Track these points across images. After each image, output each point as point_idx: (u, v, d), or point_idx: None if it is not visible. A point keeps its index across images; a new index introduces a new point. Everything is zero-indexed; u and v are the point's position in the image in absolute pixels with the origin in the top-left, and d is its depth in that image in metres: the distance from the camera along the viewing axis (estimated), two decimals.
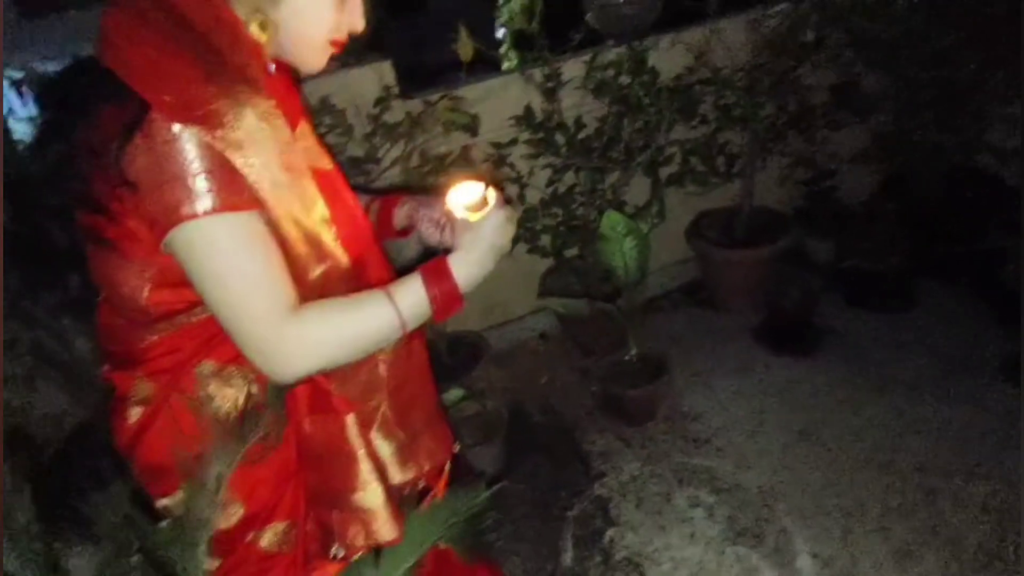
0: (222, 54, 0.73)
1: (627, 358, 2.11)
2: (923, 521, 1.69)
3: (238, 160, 0.73)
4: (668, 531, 1.77)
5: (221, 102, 0.71)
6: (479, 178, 0.99)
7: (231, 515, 0.90)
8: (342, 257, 0.86)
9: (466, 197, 0.95)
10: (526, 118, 2.05)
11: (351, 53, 1.96)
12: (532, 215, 2.16)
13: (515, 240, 2.10)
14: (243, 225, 0.75)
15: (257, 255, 0.76)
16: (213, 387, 0.86)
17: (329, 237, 0.84)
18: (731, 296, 2.48)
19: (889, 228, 2.38)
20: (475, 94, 2.05)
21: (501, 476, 2.00)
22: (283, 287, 0.78)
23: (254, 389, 0.88)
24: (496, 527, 1.78)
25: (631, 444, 2.05)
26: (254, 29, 0.78)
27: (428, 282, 0.87)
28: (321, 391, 0.90)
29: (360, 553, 0.93)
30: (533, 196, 2.17)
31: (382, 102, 1.90)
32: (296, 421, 0.94)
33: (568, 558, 1.76)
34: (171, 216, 0.72)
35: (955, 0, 2.10)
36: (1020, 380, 1.97)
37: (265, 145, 0.75)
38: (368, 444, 0.93)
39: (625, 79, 2.06)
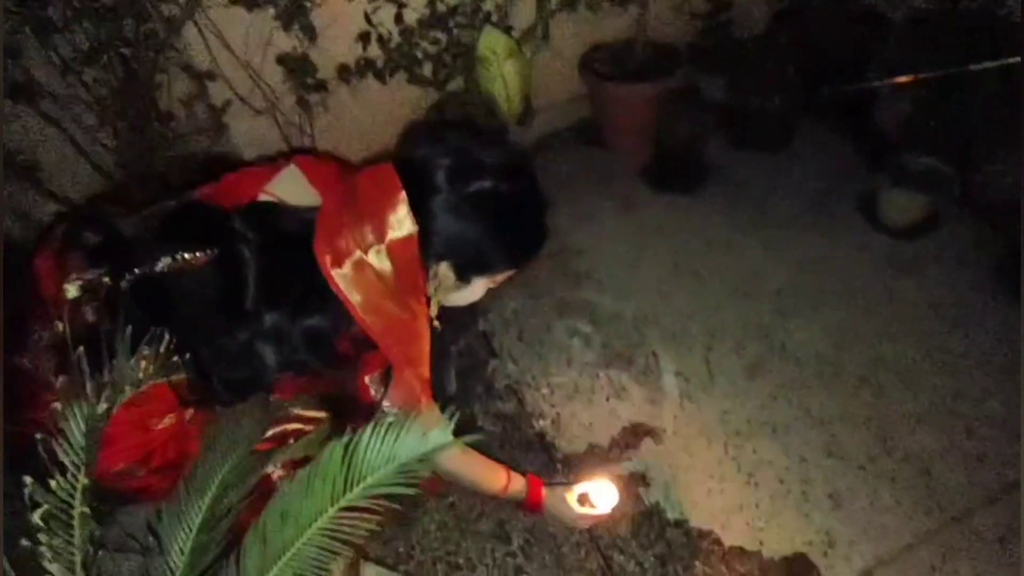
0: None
1: None
2: (774, 339, 1.85)
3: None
4: (546, 359, 1.85)
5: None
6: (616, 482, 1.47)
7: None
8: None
9: (597, 495, 1.42)
10: None
11: None
12: (411, 39, 1.96)
13: (393, 70, 1.95)
14: None
15: None
16: None
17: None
18: (621, 134, 2.44)
19: (778, 65, 2.37)
20: None
21: None
22: None
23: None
24: None
25: (514, 279, 2.05)
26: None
27: (527, 506, 1.44)
28: None
29: None
30: (411, 17, 1.95)
31: None
32: None
33: (452, 389, 1.81)
34: None
35: None
36: (878, 221, 2.11)
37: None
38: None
39: None
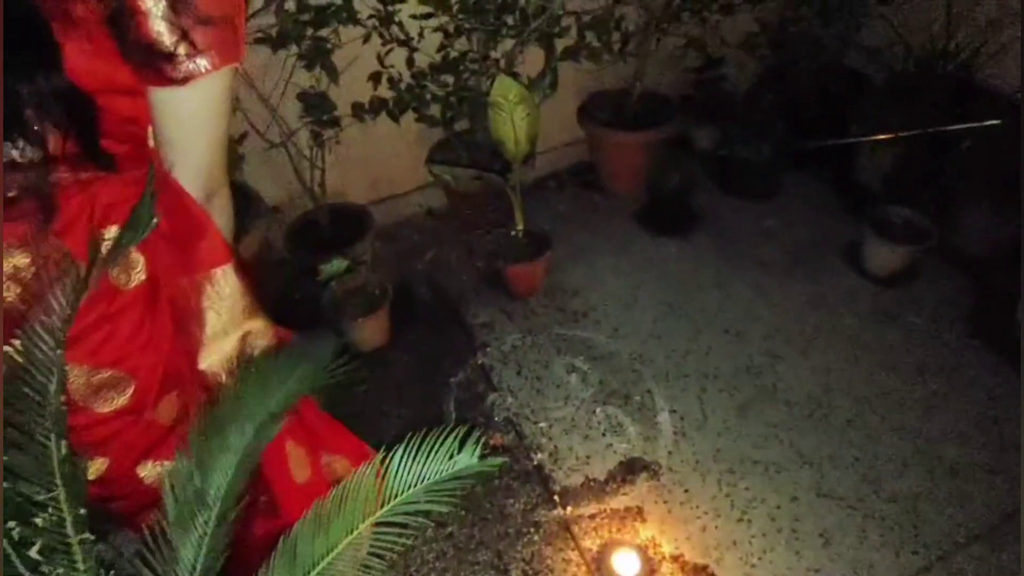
0: None
1: (513, 234, 2.13)
2: (765, 380, 1.91)
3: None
4: (544, 394, 1.89)
5: None
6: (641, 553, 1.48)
7: (124, 392, 0.87)
8: None
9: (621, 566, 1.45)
10: None
11: None
12: (421, 82, 2.04)
13: (403, 109, 2.03)
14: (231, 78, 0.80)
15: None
16: None
17: None
18: (617, 178, 2.54)
19: (766, 119, 2.50)
20: None
21: (386, 348, 2.02)
22: None
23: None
24: (357, 379, 1.83)
25: (513, 317, 2.11)
26: None
27: None
28: None
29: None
30: (423, 61, 2.04)
31: None
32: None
33: (451, 419, 1.83)
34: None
35: None
36: (862, 268, 2.21)
37: None
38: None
39: None
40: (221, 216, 0.89)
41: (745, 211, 2.47)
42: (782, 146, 2.46)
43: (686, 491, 1.66)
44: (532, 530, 1.58)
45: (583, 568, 1.50)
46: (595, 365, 1.96)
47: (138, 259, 0.87)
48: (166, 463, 0.94)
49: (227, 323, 0.93)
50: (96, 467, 0.91)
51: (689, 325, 2.07)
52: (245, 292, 0.94)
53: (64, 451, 0.73)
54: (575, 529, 1.57)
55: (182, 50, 0.71)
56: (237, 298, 0.93)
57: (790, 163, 2.52)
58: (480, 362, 1.98)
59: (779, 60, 2.63)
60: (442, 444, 0.79)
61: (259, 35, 1.70)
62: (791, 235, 2.37)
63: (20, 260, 0.78)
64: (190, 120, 0.79)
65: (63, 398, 0.74)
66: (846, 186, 2.52)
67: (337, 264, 1.85)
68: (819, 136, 2.52)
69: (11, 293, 0.79)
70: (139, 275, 0.87)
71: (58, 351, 0.71)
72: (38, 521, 0.72)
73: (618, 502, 1.63)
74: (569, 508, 1.61)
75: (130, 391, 0.88)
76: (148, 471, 0.95)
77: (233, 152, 1.87)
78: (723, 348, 2.00)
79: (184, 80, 0.72)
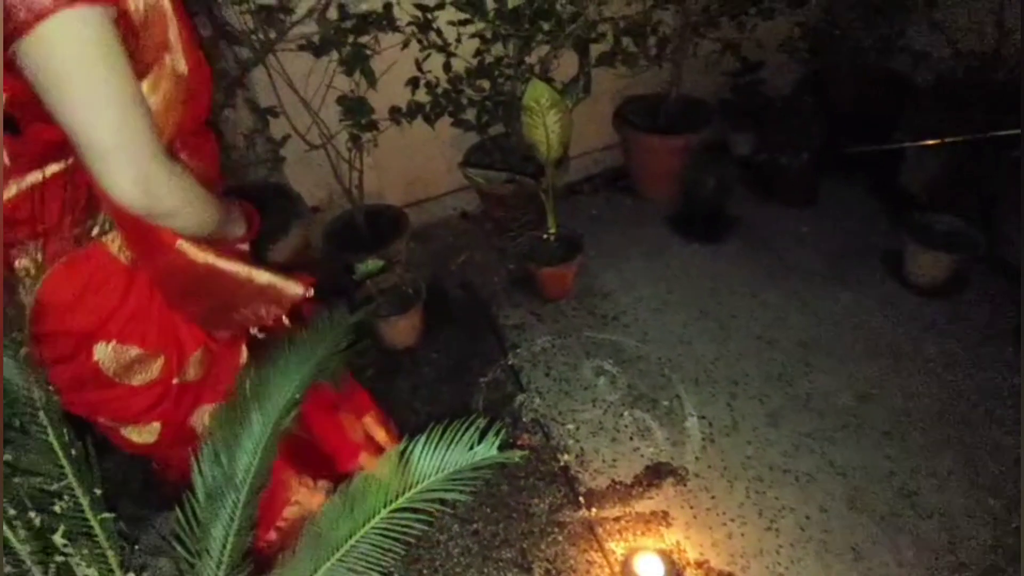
0: None
1: (545, 237, 2.14)
2: (798, 389, 1.88)
3: None
4: (573, 396, 1.90)
5: None
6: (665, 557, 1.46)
7: (152, 367, 0.93)
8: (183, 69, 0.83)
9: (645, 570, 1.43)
10: None
11: None
12: (458, 86, 2.08)
13: (439, 113, 2.07)
14: (107, 22, 0.69)
15: (120, 59, 0.70)
16: None
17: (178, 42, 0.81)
18: (651, 183, 2.54)
19: (805, 124, 2.46)
20: None
21: (417, 347, 2.06)
22: (148, 113, 0.74)
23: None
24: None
25: (544, 319, 2.13)
26: None
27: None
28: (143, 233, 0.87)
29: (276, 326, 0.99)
30: (459, 66, 2.08)
31: None
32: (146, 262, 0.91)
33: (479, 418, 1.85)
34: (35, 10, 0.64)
35: None
36: (903, 278, 2.15)
37: None
38: (216, 254, 0.93)
39: None
40: (176, 201, 0.80)
41: (782, 217, 2.43)
42: (821, 151, 2.42)
43: (713, 497, 1.64)
44: (556, 530, 1.59)
45: (606, 570, 1.50)
46: (624, 368, 1.96)
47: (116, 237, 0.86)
48: (211, 407, 1.00)
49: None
50: (151, 431, 0.97)
51: (720, 331, 2.05)
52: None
53: (66, 438, 0.78)
54: (599, 531, 1.58)
55: None
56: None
57: (829, 168, 2.48)
58: (510, 363, 2.00)
59: (819, 64, 2.59)
60: (463, 435, 0.82)
61: (302, 43, 1.77)
62: (829, 242, 2.32)
63: None
64: (55, 87, 0.68)
65: (52, 388, 0.79)
66: (888, 193, 2.46)
67: (372, 263, 1.90)
68: (860, 141, 2.47)
69: None
70: (126, 253, 0.88)
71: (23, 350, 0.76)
72: (56, 509, 0.76)
73: (643, 506, 1.63)
74: (594, 510, 1.62)
75: (157, 364, 0.93)
76: (196, 419, 1.01)
77: (274, 154, 1.94)
78: (755, 355, 1.97)
79: (28, 22, 0.64)
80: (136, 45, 0.75)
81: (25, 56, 0.67)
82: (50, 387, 0.80)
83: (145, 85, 0.78)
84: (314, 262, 2.22)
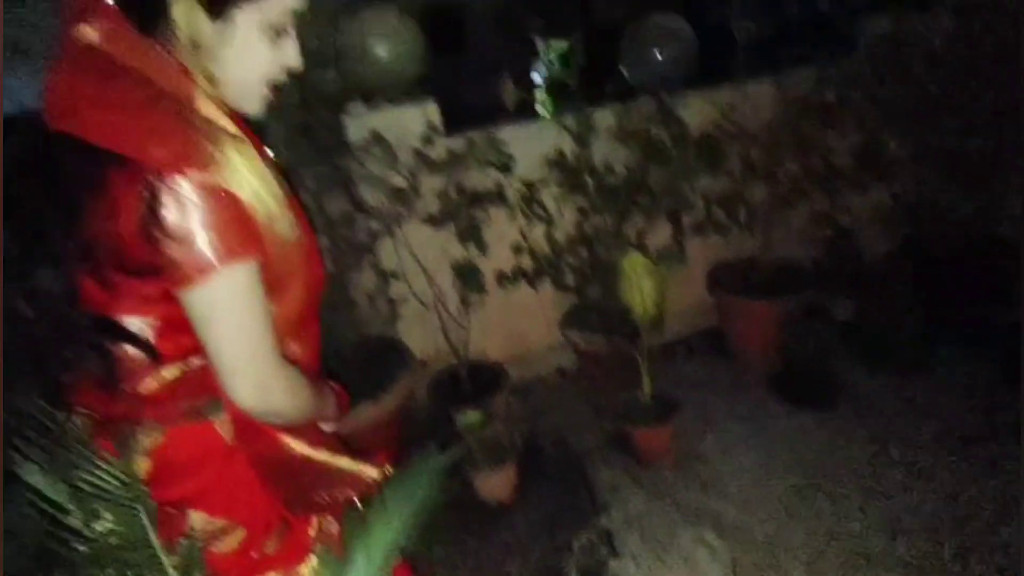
0: (187, 105, 0.80)
1: (640, 397, 2.16)
2: None
3: (245, 191, 0.80)
4: (671, 567, 1.80)
5: (206, 144, 0.78)
6: None
7: (234, 538, 0.97)
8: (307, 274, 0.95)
9: None
10: (558, 161, 2.18)
11: (401, 91, 2.13)
12: (559, 253, 2.26)
13: (541, 277, 2.24)
14: (254, 272, 0.83)
15: (260, 300, 0.85)
16: None
17: (299, 256, 0.92)
18: (747, 346, 2.53)
19: (906, 289, 2.43)
20: (512, 135, 2.19)
21: (510, 503, 2.06)
22: (272, 330, 0.88)
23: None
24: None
25: (639, 480, 2.09)
26: (204, 83, 0.83)
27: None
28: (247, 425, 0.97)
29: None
30: (561, 235, 2.27)
31: (428, 139, 2.04)
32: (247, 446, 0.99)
33: None
34: (200, 267, 0.78)
35: (972, 67, 2.18)
36: None
37: (254, 173, 0.82)
38: (309, 443, 1.00)
39: (655, 130, 2.18)
40: (287, 401, 0.90)
41: (891, 385, 2.33)
42: (928, 318, 2.35)
43: None
44: None
45: None
46: (725, 540, 1.86)
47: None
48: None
49: None
50: None
51: (829, 506, 1.92)
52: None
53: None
54: None
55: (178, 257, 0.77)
56: None
57: (940, 334, 2.38)
58: (604, 525, 1.95)
59: (915, 230, 2.59)
60: None
61: (424, 217, 2.03)
62: (946, 413, 2.18)
63: None
64: (206, 323, 0.82)
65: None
66: (1008, 362, 2.31)
67: (473, 416, 1.98)
68: (969, 308, 2.39)
69: None
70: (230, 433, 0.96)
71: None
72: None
73: None
74: None
75: (238, 536, 0.98)
76: None
77: (392, 312, 2.14)
78: (877, 539, 1.81)
79: (193, 277, 0.78)
80: (272, 275, 0.88)
81: (190, 304, 0.81)
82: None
83: (273, 301, 0.90)
84: (417, 412, 2.34)
